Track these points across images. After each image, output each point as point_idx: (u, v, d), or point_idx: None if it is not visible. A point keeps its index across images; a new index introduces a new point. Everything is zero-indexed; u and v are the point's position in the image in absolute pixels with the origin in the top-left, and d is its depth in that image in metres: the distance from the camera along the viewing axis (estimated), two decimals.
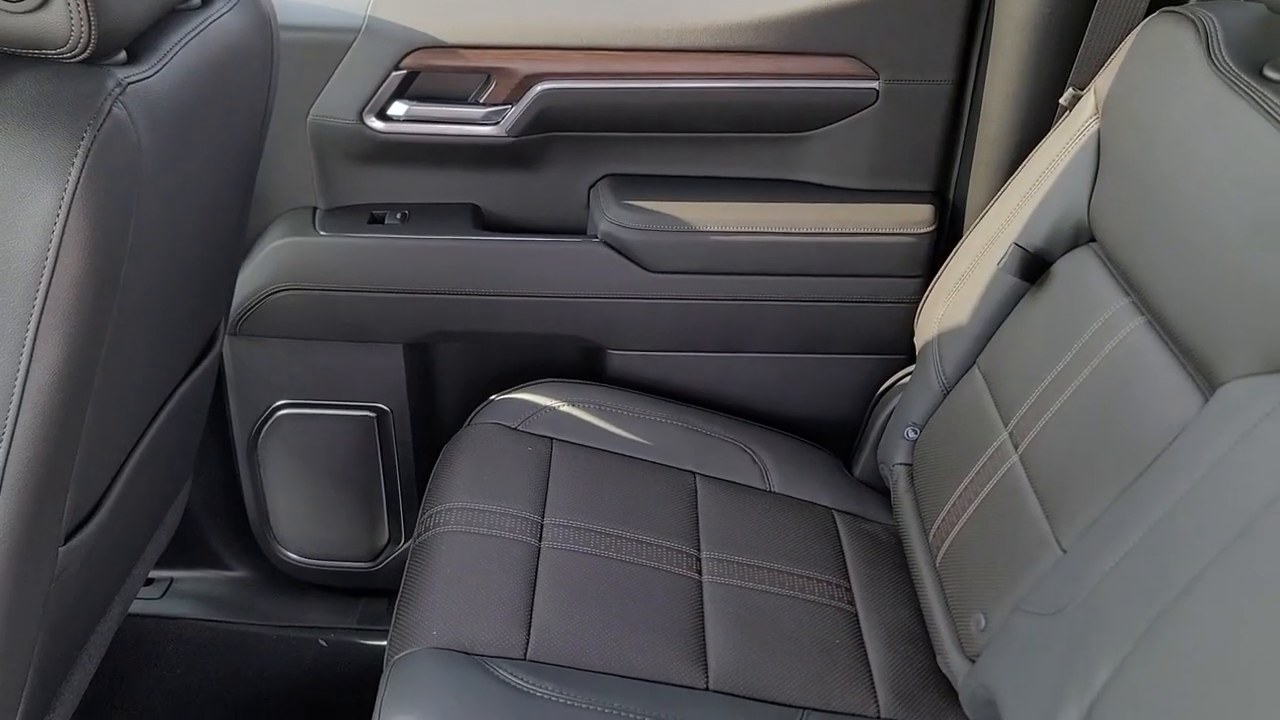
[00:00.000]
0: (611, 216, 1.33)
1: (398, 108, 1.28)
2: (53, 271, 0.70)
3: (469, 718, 0.92)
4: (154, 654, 1.49)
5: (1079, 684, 0.78)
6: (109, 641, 1.11)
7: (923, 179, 1.34)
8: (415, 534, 1.14)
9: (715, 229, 1.32)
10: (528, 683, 0.95)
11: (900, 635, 1.10)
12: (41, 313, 0.71)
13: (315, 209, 1.36)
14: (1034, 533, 0.97)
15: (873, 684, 1.04)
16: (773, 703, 0.99)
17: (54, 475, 0.80)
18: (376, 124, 1.29)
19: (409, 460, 1.47)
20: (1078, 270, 1.09)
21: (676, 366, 1.40)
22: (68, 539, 0.87)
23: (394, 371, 1.40)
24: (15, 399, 0.73)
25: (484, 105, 1.29)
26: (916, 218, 1.33)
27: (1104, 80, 1.11)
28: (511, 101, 1.28)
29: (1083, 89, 1.15)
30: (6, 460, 0.74)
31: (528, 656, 0.98)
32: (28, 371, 0.72)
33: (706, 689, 0.99)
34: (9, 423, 0.74)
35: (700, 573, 1.12)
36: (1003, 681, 0.91)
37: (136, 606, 1.49)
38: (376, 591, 1.54)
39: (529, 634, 1.00)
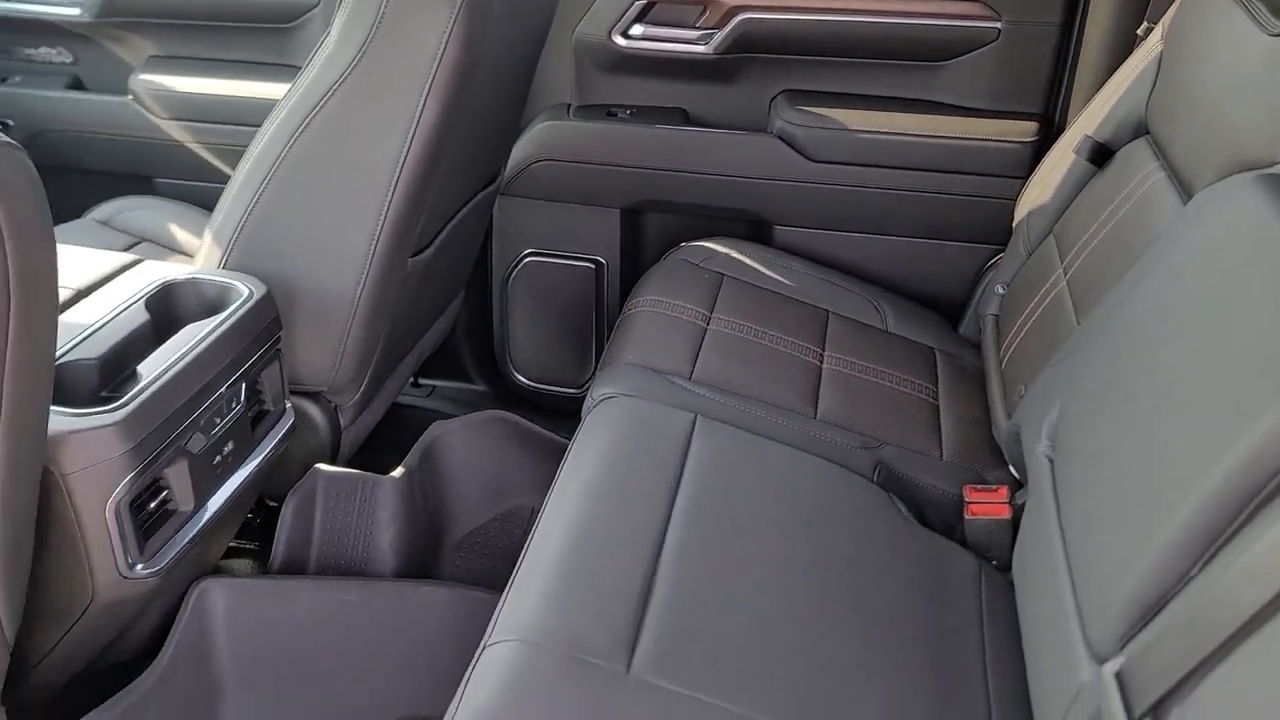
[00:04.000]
0: (785, 117, 1.76)
1: (636, 29, 1.77)
2: (440, 57, 1.21)
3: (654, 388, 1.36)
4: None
5: (1064, 387, 1.15)
6: (401, 387, 1.61)
7: (1032, 101, 1.71)
8: (621, 313, 1.60)
9: (865, 129, 1.73)
10: (692, 388, 1.38)
11: (968, 420, 1.47)
12: (430, 84, 1.22)
13: (569, 104, 1.87)
14: (1064, 323, 1.33)
15: (940, 441, 1.42)
16: (860, 433, 1.39)
17: (419, 202, 1.31)
18: (620, 41, 1.78)
19: (615, 306, 1.94)
20: (1131, 154, 1.43)
21: (825, 241, 1.81)
22: (415, 255, 1.39)
23: (612, 231, 1.88)
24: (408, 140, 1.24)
25: (697, 29, 1.76)
26: (1024, 130, 1.70)
27: (1170, 16, 1.46)
28: (719, 27, 1.75)
29: (1155, 23, 1.50)
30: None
31: (693, 377, 1.42)
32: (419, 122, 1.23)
33: (814, 418, 1.40)
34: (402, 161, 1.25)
35: (821, 361, 1.52)
36: (1025, 414, 1.27)
37: (410, 399, 2.03)
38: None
39: (694, 365, 1.43)
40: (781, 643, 1.01)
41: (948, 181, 1.73)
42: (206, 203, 1.52)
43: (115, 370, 1.08)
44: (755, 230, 1.85)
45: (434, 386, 2.09)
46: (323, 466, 1.38)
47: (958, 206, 1.75)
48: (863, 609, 1.08)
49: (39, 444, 0.90)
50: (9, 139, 0.78)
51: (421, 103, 1.24)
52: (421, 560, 1.42)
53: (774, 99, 1.82)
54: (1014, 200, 1.70)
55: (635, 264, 1.93)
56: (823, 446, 1.33)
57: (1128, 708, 0.77)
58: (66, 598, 1.04)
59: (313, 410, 1.39)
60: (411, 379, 1.95)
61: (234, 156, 1.44)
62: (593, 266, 1.92)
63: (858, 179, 1.76)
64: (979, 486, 1.32)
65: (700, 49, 1.77)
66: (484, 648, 0.95)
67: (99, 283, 1.20)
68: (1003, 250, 1.75)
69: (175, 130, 1.97)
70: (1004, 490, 1.30)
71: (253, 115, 1.54)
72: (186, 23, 1.97)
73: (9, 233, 0.72)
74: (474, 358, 2.07)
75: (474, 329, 2.04)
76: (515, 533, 1.53)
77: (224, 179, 1.38)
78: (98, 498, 0.99)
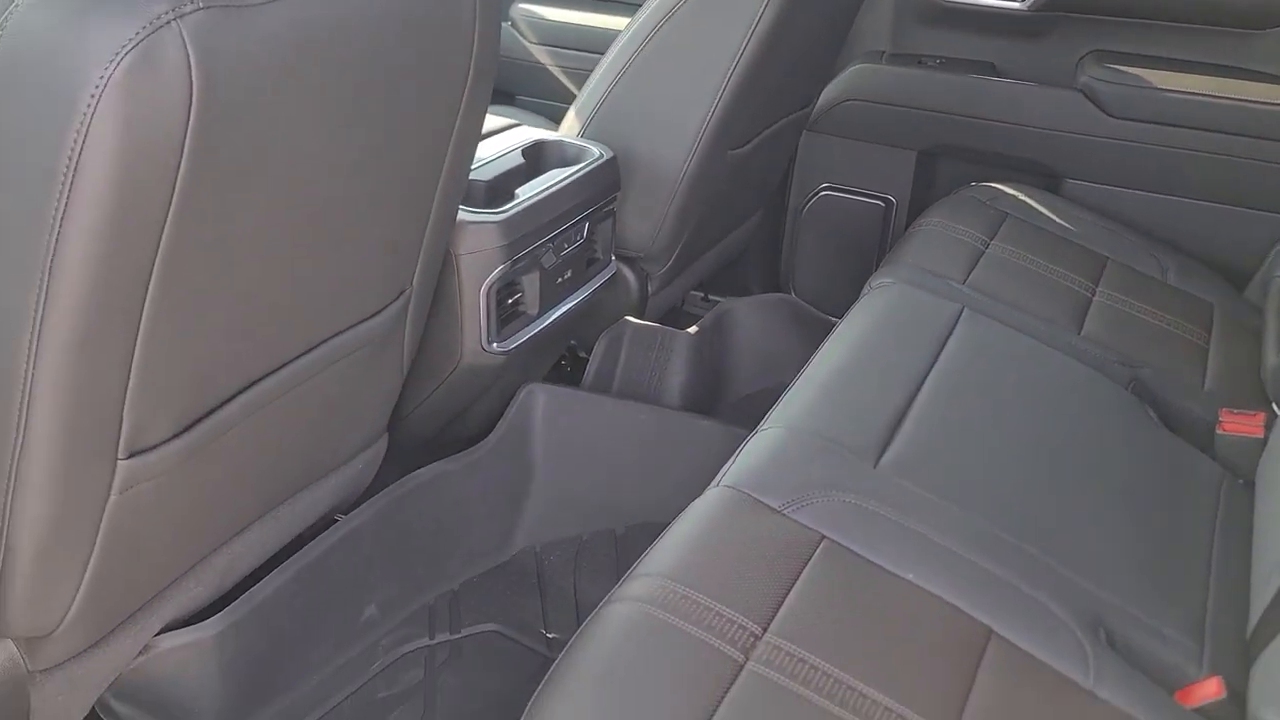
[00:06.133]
0: (1091, 73, 1.85)
1: None
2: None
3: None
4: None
5: None
6: (699, 280, 1.81)
7: None
8: (907, 230, 1.76)
9: (1172, 88, 1.79)
10: (963, 289, 1.52)
11: (1236, 364, 1.50)
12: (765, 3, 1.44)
13: (884, 52, 2.04)
14: None
15: (1204, 376, 1.47)
16: (1120, 353, 1.47)
17: (744, 101, 1.53)
18: None
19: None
20: None
21: (1115, 198, 1.88)
22: (733, 149, 1.61)
23: (906, 172, 2.03)
24: None
25: None
26: None
27: None
28: None
29: None
30: None
31: (965, 283, 1.55)
32: None
33: (1077, 333, 1.49)
34: None
35: (1093, 295, 1.60)
36: None
37: (695, 310, 2.27)
38: None
39: (969, 275, 1.57)
40: (1018, 489, 1.13)
41: (1249, 146, 1.75)
42: (556, 120, 1.82)
43: (498, 194, 1.38)
44: (1046, 181, 1.94)
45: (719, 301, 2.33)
46: (631, 318, 1.64)
47: (1256, 173, 1.76)
48: (1099, 485, 1.17)
49: (449, 226, 1.20)
50: None
51: (757, 16, 1.46)
52: (700, 409, 1.65)
53: (1082, 58, 1.90)
54: None
55: (923, 205, 2.07)
56: (1081, 355, 1.43)
57: None
58: (441, 359, 1.34)
59: (628, 273, 1.66)
60: (702, 294, 2.20)
61: (583, 79, 1.72)
62: (883, 204, 2.08)
63: (1158, 138, 1.82)
64: (1235, 410, 1.37)
65: (1015, 5, 1.88)
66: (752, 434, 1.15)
67: (490, 133, 1.51)
68: None
69: (540, 53, 2.32)
70: (1261, 415, 1.34)
71: (604, 44, 1.82)
72: None
73: (480, 24, 1.00)
74: (760, 278, 2.28)
75: (765, 251, 2.25)
76: None
77: (571, 99, 1.67)
78: (477, 278, 1.28)
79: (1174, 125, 1.80)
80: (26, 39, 0.69)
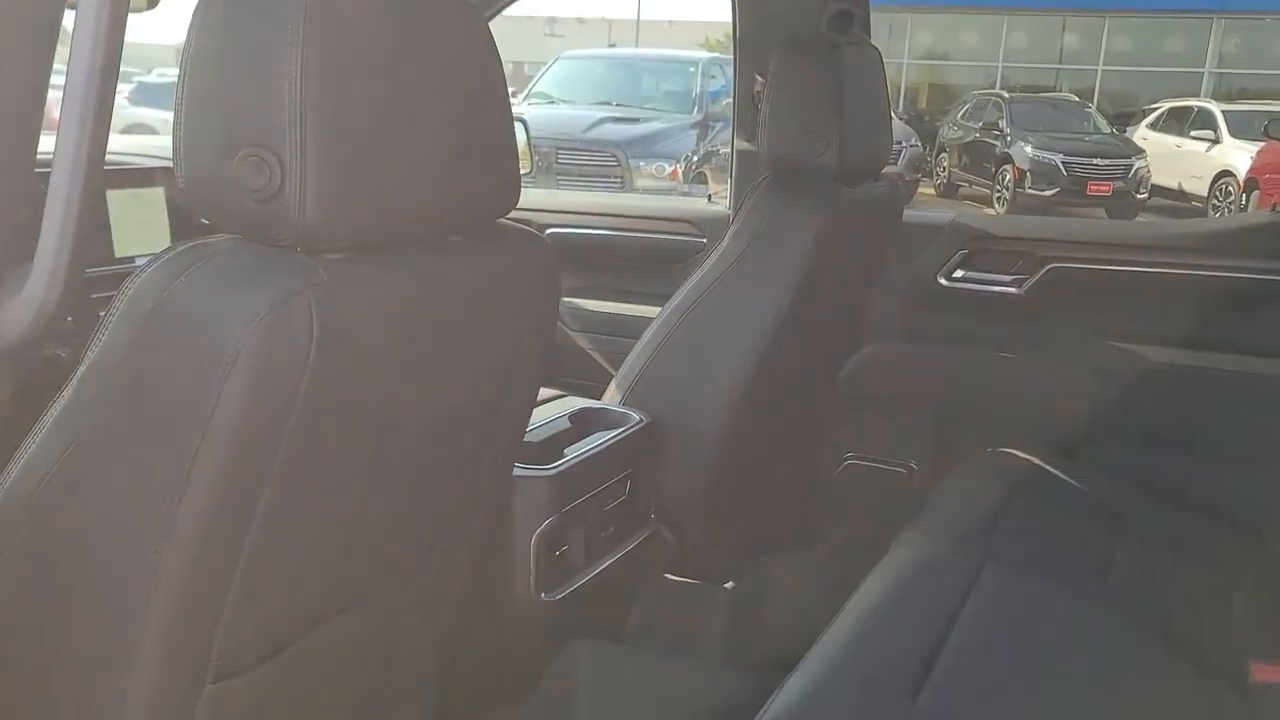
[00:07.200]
0: (1093, 348, 2.01)
1: (958, 272, 2.13)
2: (799, 262, 1.63)
3: None
4: None
5: None
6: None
7: None
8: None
9: (1173, 362, 1.94)
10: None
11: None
12: (790, 280, 1.63)
13: (898, 330, 2.23)
14: None
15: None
16: None
17: (772, 369, 1.69)
18: (943, 282, 2.14)
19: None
20: None
21: (1129, 463, 1.98)
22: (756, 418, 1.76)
23: (924, 441, 2.16)
24: None
25: (1012, 274, 2.09)
26: None
27: None
28: (1030, 274, 2.07)
29: None
30: None
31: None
32: None
33: None
34: None
35: None
36: None
37: None
38: None
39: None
40: None
41: (1256, 413, 1.88)
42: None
43: (548, 453, 1.50)
44: (1062, 447, 2.05)
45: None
46: (670, 574, 1.72)
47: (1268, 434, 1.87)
48: None
49: (508, 479, 1.31)
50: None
51: (780, 299, 1.65)
52: (740, 660, 1.68)
53: (1083, 333, 2.07)
54: None
55: (944, 471, 2.17)
56: (1108, 605, 1.47)
57: None
58: (491, 605, 1.41)
59: (667, 532, 1.75)
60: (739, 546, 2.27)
61: (618, 360, 1.89)
62: (904, 471, 2.19)
63: (1165, 405, 1.95)
64: (1267, 662, 1.39)
65: (1012, 290, 2.09)
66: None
67: (541, 402, 1.66)
68: None
69: (582, 340, 2.53)
70: None
71: (637, 329, 1.99)
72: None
73: (546, 300, 1.16)
74: (790, 535, 2.35)
75: (794, 511, 2.33)
76: None
77: (605, 378, 1.83)
78: (529, 528, 1.38)
79: (1180, 394, 1.93)
80: (183, 301, 0.84)
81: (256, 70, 0.82)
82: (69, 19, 0.80)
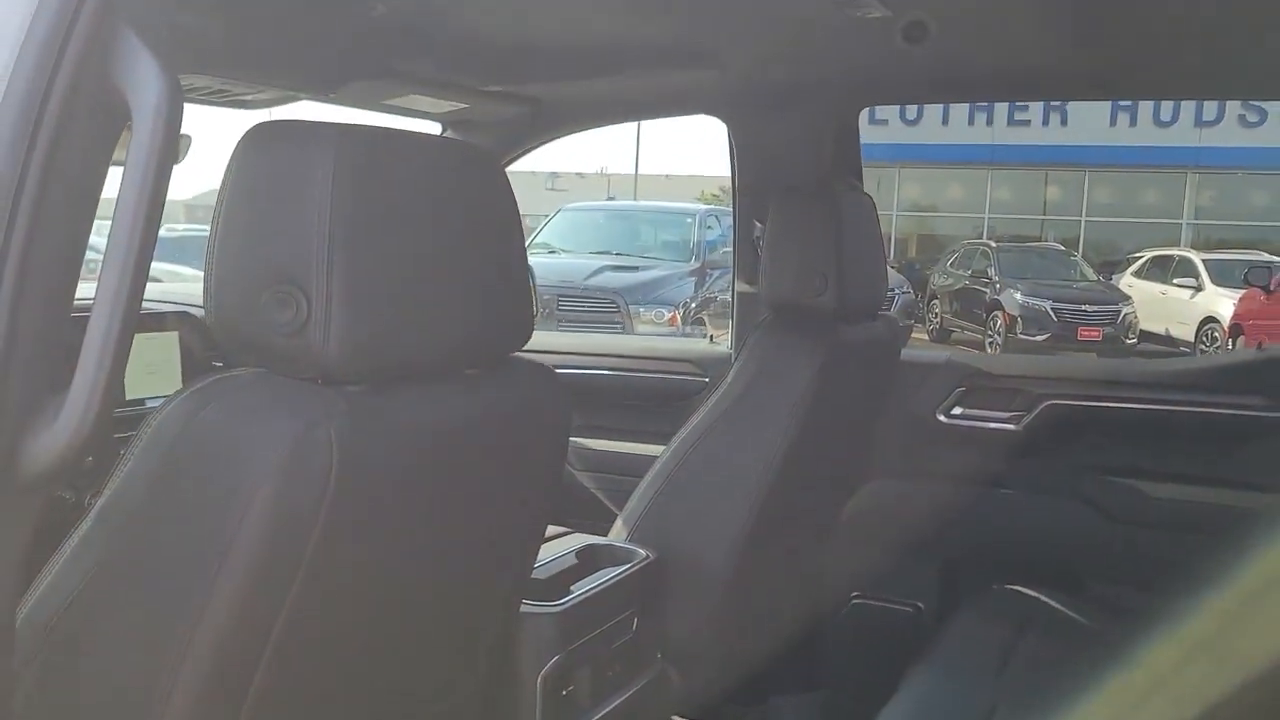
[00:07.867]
0: (1093, 484, 2.02)
1: (956, 409, 2.16)
2: (801, 397, 1.66)
3: None
4: None
5: None
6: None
7: None
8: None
9: (1170, 496, 1.95)
10: None
11: None
12: (793, 415, 1.66)
13: (898, 466, 2.24)
14: None
15: None
16: None
17: (778, 505, 1.70)
18: (942, 419, 2.17)
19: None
20: None
21: (1135, 599, 1.96)
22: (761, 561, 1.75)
23: (930, 579, 2.15)
24: None
25: (1009, 411, 2.12)
26: None
27: None
28: (1027, 411, 2.10)
29: None
30: None
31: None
32: None
33: None
34: None
35: None
36: None
37: None
38: None
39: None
40: None
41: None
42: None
43: (555, 589, 1.50)
44: (1068, 584, 2.04)
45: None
46: (677, 717, 1.68)
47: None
48: None
49: (515, 617, 1.31)
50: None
51: (782, 434, 1.68)
52: None
53: (1082, 469, 2.09)
54: None
55: (950, 609, 2.15)
56: None
57: None
58: None
59: (673, 671, 1.72)
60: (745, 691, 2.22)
61: (622, 499, 1.90)
62: (911, 611, 2.16)
63: (1166, 542, 1.94)
64: None
65: (1010, 427, 2.11)
66: None
67: (547, 539, 1.66)
68: None
69: (585, 479, 2.54)
70: None
71: (641, 468, 2.01)
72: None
73: (558, 432, 1.19)
74: (796, 679, 2.30)
75: (800, 652, 2.28)
76: None
77: (609, 516, 1.84)
78: (534, 667, 1.37)
79: (1180, 531, 1.93)
80: (207, 430, 0.87)
81: (287, 211, 0.87)
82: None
